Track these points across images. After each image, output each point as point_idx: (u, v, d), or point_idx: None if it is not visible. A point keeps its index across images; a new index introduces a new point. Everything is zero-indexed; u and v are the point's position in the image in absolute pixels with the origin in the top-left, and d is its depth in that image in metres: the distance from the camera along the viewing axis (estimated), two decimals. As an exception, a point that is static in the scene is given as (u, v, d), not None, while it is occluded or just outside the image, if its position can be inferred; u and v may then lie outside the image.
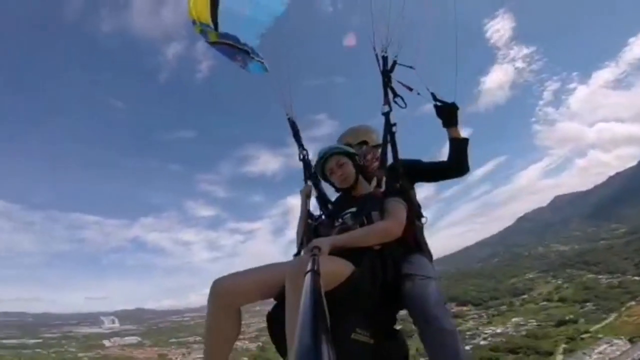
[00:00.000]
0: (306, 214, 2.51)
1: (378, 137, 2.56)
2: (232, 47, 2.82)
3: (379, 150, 2.44)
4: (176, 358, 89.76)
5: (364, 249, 1.83)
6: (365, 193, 2.26)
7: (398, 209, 2.01)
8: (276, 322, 1.67)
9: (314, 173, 2.60)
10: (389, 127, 2.36)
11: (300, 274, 1.32)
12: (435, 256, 2.32)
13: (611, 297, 64.42)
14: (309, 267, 1.03)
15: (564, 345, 50.19)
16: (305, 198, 2.57)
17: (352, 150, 2.36)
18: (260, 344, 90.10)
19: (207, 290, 1.62)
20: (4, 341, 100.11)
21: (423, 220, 2.28)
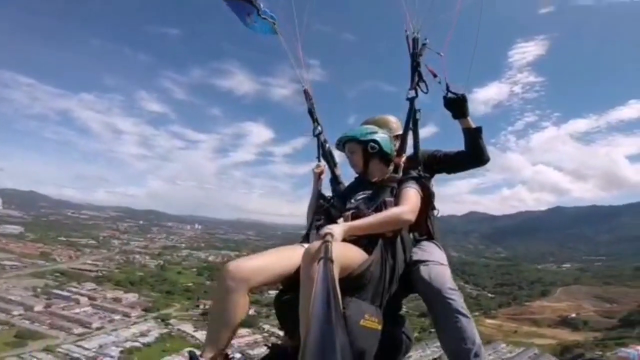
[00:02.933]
0: (317, 194, 2.49)
1: (398, 127, 2.52)
2: (246, 2, 2.72)
3: (399, 141, 2.39)
4: (61, 259, 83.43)
5: (377, 235, 1.83)
6: (381, 178, 2.23)
7: (412, 195, 1.97)
8: (284, 306, 1.76)
9: (329, 151, 2.59)
10: (413, 113, 2.30)
11: (313, 260, 1.37)
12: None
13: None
14: (321, 254, 1.04)
15: (416, 334, 58.48)
16: (318, 178, 2.53)
17: (366, 137, 2.26)
18: (161, 262, 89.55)
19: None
20: None
21: (435, 212, 2.27)
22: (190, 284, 76.46)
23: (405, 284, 1.96)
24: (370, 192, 2.14)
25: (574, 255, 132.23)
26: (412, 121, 2.30)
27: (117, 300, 63.19)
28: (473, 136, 2.32)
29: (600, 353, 43.54)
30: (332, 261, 1.04)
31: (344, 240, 1.68)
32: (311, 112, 2.70)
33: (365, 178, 2.30)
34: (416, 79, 2.34)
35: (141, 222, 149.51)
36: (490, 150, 2.42)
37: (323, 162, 2.61)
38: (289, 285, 1.71)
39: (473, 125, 2.32)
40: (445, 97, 2.31)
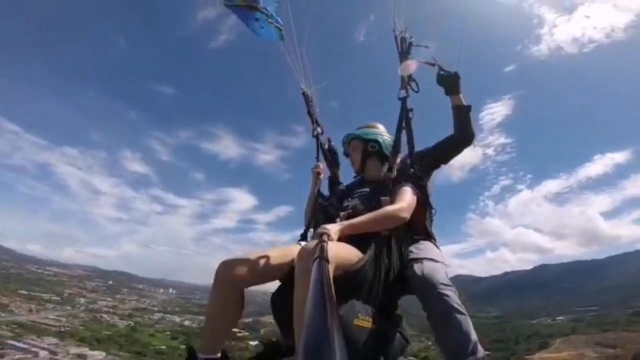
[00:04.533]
0: (316, 193, 2.51)
1: (385, 133, 2.54)
2: (252, 10, 2.75)
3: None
4: (19, 311, 75.66)
5: (372, 234, 1.81)
6: (377, 177, 2.24)
7: (406, 193, 1.98)
8: (280, 304, 1.73)
9: (329, 150, 2.64)
10: (405, 113, 2.27)
11: (309, 260, 1.32)
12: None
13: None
14: (317, 254, 1.03)
15: None
16: (316, 177, 2.56)
17: (368, 136, 2.36)
18: (131, 323, 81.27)
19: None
20: None
21: (433, 211, 2.24)
22: (163, 347, 68.55)
23: (401, 283, 1.91)
24: (367, 191, 2.16)
25: (566, 308, 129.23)
26: (404, 121, 2.28)
27: (81, 356, 55.35)
28: (463, 112, 2.32)
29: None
30: (327, 261, 1.02)
31: (340, 239, 1.65)
32: (310, 114, 2.72)
33: (363, 177, 2.36)
34: (407, 78, 2.33)
35: (110, 282, 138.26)
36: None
37: (323, 163, 2.64)
38: (286, 283, 1.70)
39: (465, 103, 2.33)
40: (438, 74, 2.35)
